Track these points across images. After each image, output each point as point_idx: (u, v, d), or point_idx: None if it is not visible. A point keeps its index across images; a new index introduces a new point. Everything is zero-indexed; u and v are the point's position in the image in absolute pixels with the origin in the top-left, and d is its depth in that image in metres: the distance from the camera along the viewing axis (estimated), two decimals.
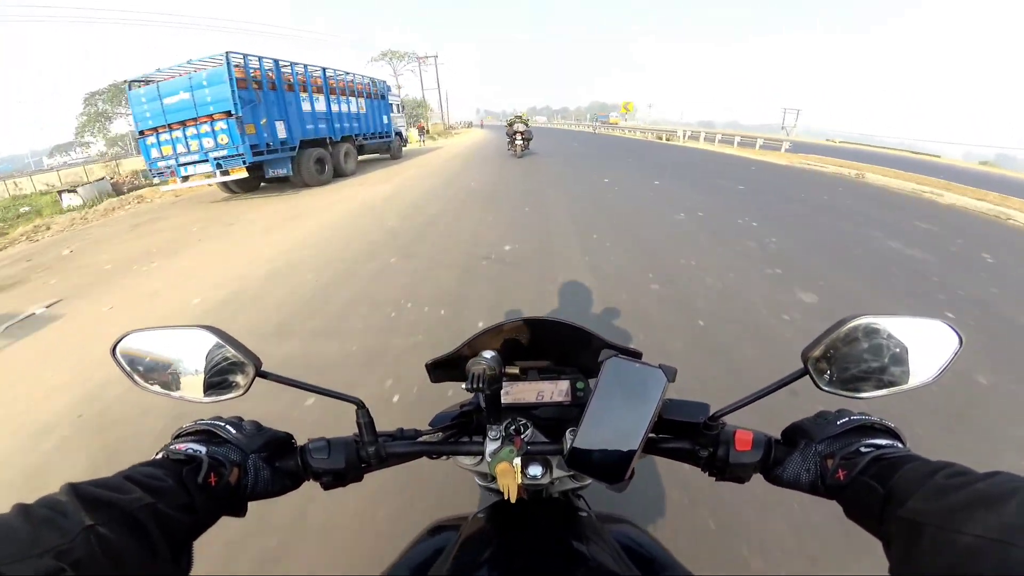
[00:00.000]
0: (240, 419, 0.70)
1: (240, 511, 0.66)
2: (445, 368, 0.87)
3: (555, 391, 0.86)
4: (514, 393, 0.85)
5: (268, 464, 0.68)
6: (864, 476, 0.55)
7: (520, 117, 17.77)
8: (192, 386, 0.67)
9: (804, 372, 0.64)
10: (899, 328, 0.63)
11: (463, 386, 0.66)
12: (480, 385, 0.64)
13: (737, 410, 0.68)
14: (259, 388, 0.67)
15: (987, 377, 3.06)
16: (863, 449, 0.59)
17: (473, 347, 0.83)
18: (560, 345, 0.89)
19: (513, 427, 0.78)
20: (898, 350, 0.62)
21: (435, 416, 0.83)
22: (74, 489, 0.47)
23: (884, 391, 0.63)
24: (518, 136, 17.18)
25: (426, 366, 0.86)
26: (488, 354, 0.68)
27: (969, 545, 0.40)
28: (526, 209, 8.32)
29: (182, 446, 0.62)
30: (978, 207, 9.17)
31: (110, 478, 0.52)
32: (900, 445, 0.60)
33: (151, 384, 0.67)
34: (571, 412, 0.84)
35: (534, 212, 8.08)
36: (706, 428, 0.69)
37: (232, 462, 0.64)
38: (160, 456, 0.61)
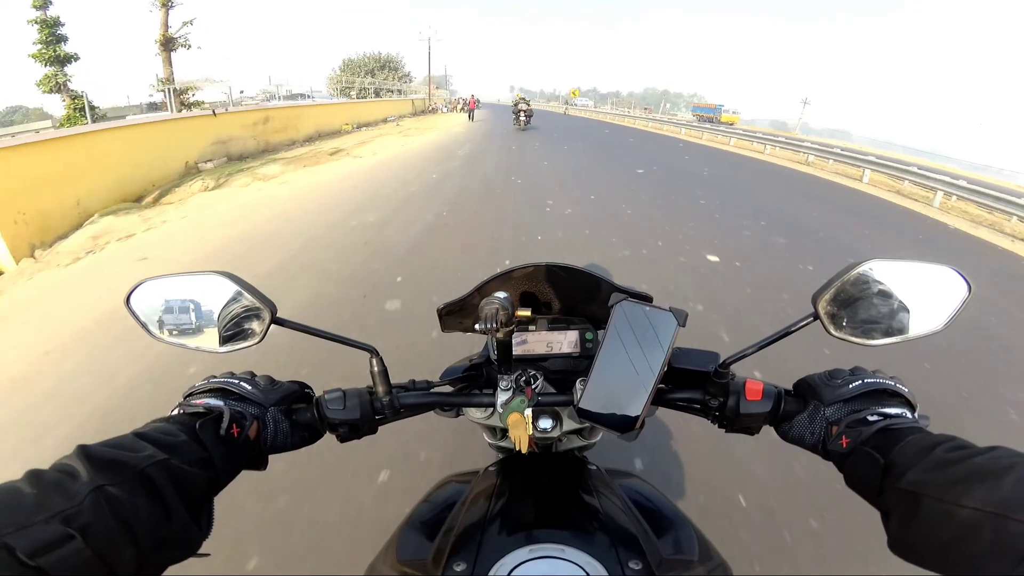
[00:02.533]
0: (252, 374, 0.69)
1: (261, 465, 0.65)
2: (455, 316, 0.87)
3: (564, 342, 0.86)
4: (524, 345, 0.86)
5: (286, 417, 0.68)
6: (866, 446, 0.56)
7: (523, 99, 23.33)
8: (208, 335, 0.66)
9: (815, 317, 0.64)
10: (907, 273, 0.63)
11: (477, 327, 0.65)
12: (493, 325, 0.63)
13: (747, 356, 0.68)
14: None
15: None
16: (870, 418, 0.59)
17: (484, 293, 0.82)
18: (570, 292, 0.89)
19: (524, 378, 0.78)
20: (906, 296, 0.63)
21: (446, 369, 0.84)
22: (84, 450, 0.46)
23: (893, 339, 0.64)
24: (522, 114, 22.17)
25: (438, 312, 0.86)
26: (500, 294, 0.67)
27: (967, 518, 0.41)
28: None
29: (199, 401, 0.61)
30: None
31: (122, 437, 0.50)
32: (908, 415, 0.60)
33: (166, 334, 0.67)
34: (580, 364, 0.85)
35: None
36: (716, 377, 0.69)
37: (252, 416, 0.63)
38: (175, 412, 0.60)
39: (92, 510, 0.41)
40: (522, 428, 0.71)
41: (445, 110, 39.40)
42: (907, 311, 0.63)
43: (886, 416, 0.59)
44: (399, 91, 45.24)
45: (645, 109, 76.50)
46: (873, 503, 0.55)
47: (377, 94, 41.57)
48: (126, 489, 0.44)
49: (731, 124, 44.13)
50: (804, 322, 0.65)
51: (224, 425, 0.57)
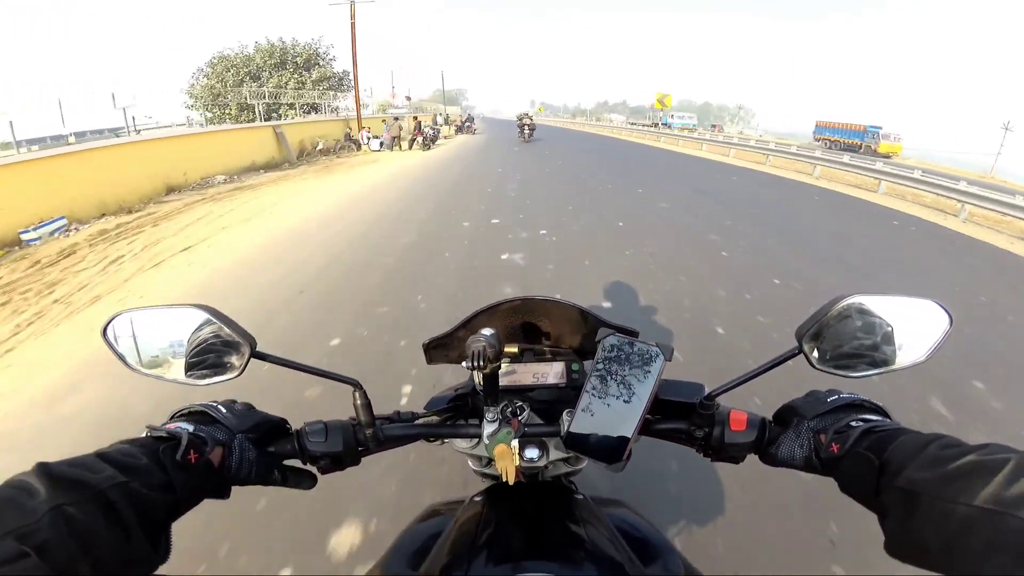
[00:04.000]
0: (234, 401, 0.69)
1: (224, 493, 0.64)
2: (441, 349, 0.87)
3: (551, 373, 0.86)
4: (511, 376, 0.85)
5: (256, 446, 0.66)
6: (858, 448, 0.56)
7: (527, 114, 25.70)
8: (186, 368, 0.65)
9: (798, 351, 0.65)
10: (890, 307, 0.64)
11: (464, 365, 0.66)
12: (480, 363, 0.64)
13: (732, 389, 0.68)
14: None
15: None
16: (854, 424, 0.59)
17: (469, 328, 0.83)
18: (556, 325, 0.90)
19: (510, 409, 0.77)
20: (889, 329, 0.64)
21: (430, 399, 0.83)
22: (43, 468, 0.45)
23: (876, 370, 0.64)
24: (526, 128, 24.32)
25: (423, 346, 0.86)
26: (487, 331, 0.68)
27: (966, 515, 0.41)
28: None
29: (171, 425, 0.60)
30: None
31: (83, 457, 0.50)
32: (889, 421, 0.60)
33: (144, 367, 0.66)
34: (567, 394, 0.85)
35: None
36: (702, 408, 0.70)
37: (216, 441, 0.61)
38: (143, 435, 0.59)
39: (50, 529, 0.40)
40: (509, 459, 0.71)
41: (377, 144, 20.43)
42: (890, 343, 0.64)
43: (868, 421, 0.59)
44: (325, 107, 28.05)
45: (713, 127, 62.34)
46: (869, 506, 0.55)
47: (272, 112, 25.81)
48: (85, 509, 0.44)
49: (889, 156, 32.36)
50: (788, 356, 0.65)
51: (181, 450, 0.56)
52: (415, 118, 23.99)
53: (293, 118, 24.27)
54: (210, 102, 27.88)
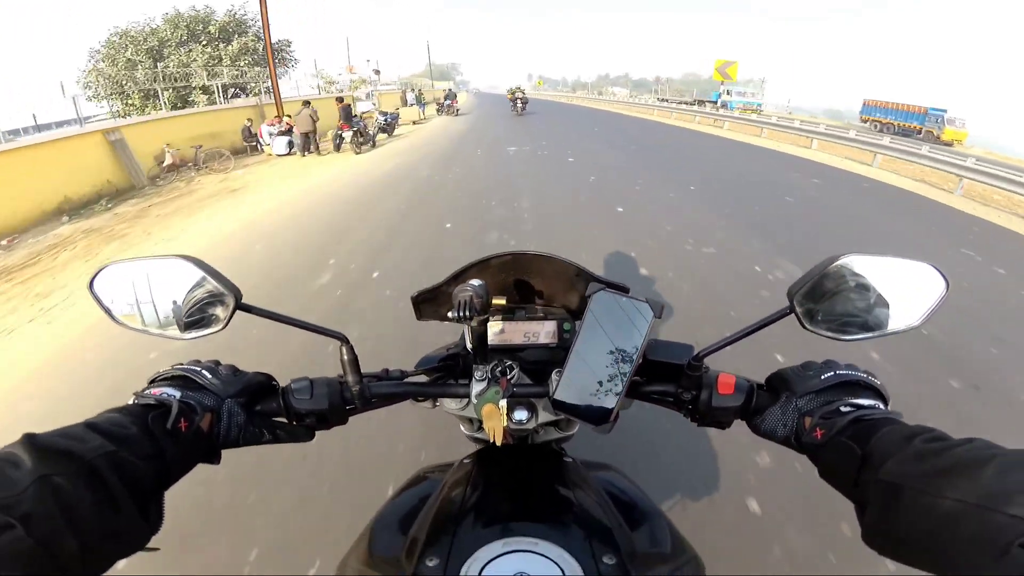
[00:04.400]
0: (217, 363, 0.68)
1: (214, 459, 0.64)
2: (431, 304, 0.86)
3: (542, 332, 0.86)
4: (501, 335, 0.85)
5: (245, 409, 0.66)
6: (841, 436, 0.55)
7: (519, 87, 27.23)
8: (171, 321, 0.65)
9: (790, 310, 0.64)
10: (886, 269, 0.62)
11: (450, 315, 0.65)
12: (466, 313, 0.63)
13: (720, 349, 0.67)
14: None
15: None
16: (843, 409, 0.59)
17: (459, 281, 0.82)
18: (549, 282, 0.89)
19: (499, 369, 0.77)
20: (883, 292, 0.62)
21: (421, 358, 0.83)
22: (30, 439, 0.45)
23: (869, 334, 0.64)
24: (518, 102, 25.75)
25: (412, 299, 0.85)
26: (475, 282, 0.67)
27: (949, 509, 0.41)
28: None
29: (156, 391, 0.60)
30: None
31: (71, 427, 0.49)
32: (881, 406, 0.60)
33: (130, 321, 0.65)
34: (558, 355, 0.84)
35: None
36: (690, 369, 0.69)
37: (205, 407, 0.62)
38: (130, 403, 0.59)
39: (34, 500, 0.40)
40: (497, 419, 0.71)
41: (283, 144, 13.79)
42: (884, 306, 0.63)
43: (859, 407, 0.58)
44: (261, 88, 20.45)
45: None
46: (848, 495, 0.55)
47: (184, 100, 20.10)
48: (71, 480, 0.44)
49: (952, 144, 27.18)
50: (779, 315, 0.64)
51: (171, 418, 0.56)
52: (340, 100, 15.95)
53: (200, 105, 18.33)
54: (111, 91, 20.54)
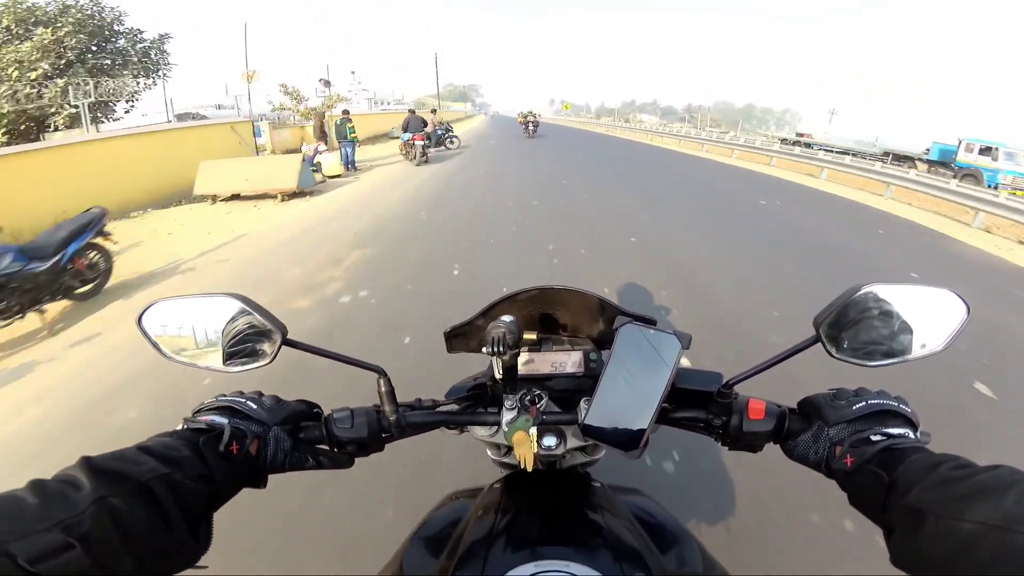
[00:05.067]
0: (260, 393, 0.71)
1: (260, 483, 0.67)
2: (462, 338, 0.88)
3: (569, 362, 0.87)
4: (530, 365, 0.87)
5: (291, 436, 0.69)
6: (870, 465, 0.57)
7: (531, 112, 27.88)
8: (218, 356, 0.67)
9: (816, 339, 0.65)
10: (908, 296, 0.64)
11: (483, 351, 0.67)
12: (499, 349, 0.65)
13: (750, 378, 0.69)
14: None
15: None
16: (873, 438, 0.60)
17: (489, 316, 0.84)
18: (574, 313, 0.91)
19: (528, 397, 0.79)
20: (906, 318, 0.64)
21: (451, 388, 0.85)
22: (87, 462, 0.47)
23: (893, 360, 0.65)
24: (530, 124, 26.63)
25: (444, 335, 0.87)
26: (507, 318, 0.70)
27: (971, 532, 0.42)
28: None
29: (205, 418, 0.63)
30: None
31: (126, 450, 0.52)
32: (911, 435, 0.60)
33: (178, 355, 0.68)
34: (585, 383, 0.86)
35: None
36: (720, 397, 0.70)
37: (253, 433, 0.64)
38: (180, 428, 0.62)
39: (93, 520, 0.43)
40: (527, 446, 0.72)
41: None
42: (907, 333, 0.64)
43: (889, 436, 0.59)
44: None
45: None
46: (876, 521, 0.56)
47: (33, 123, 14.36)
48: (127, 501, 0.46)
49: None
50: (806, 344, 0.66)
51: (224, 442, 0.59)
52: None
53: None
54: None
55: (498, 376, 0.80)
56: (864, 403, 0.63)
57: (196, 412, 0.66)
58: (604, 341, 0.90)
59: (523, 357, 0.87)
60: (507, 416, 0.76)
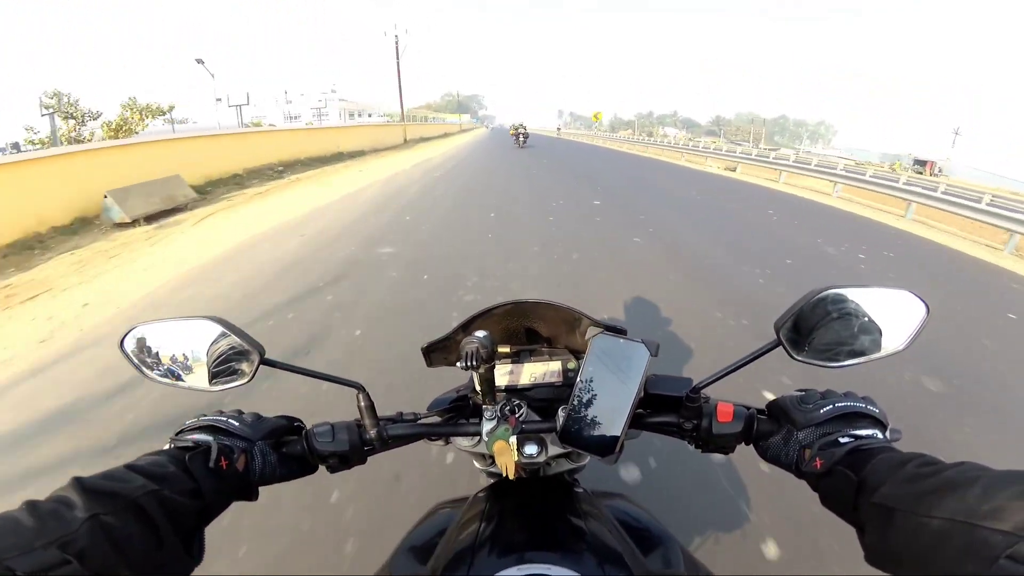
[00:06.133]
0: (240, 412, 0.72)
1: (252, 496, 0.68)
2: (440, 352, 0.90)
3: (547, 372, 0.89)
4: (509, 376, 0.89)
5: (275, 450, 0.71)
6: (840, 466, 0.58)
7: (521, 124, 29.75)
8: (198, 376, 0.69)
9: (777, 343, 0.67)
10: (867, 298, 0.66)
11: (459, 365, 0.69)
12: (473, 363, 0.67)
13: (716, 381, 0.71)
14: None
15: None
16: (842, 440, 0.61)
17: (467, 331, 0.86)
18: (552, 327, 0.93)
19: (508, 408, 0.80)
20: (867, 319, 0.66)
21: (433, 400, 0.86)
22: (79, 482, 0.49)
23: (856, 360, 0.67)
24: (520, 136, 28.82)
25: (422, 350, 0.89)
26: (480, 334, 0.71)
27: (939, 528, 0.44)
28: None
29: (190, 436, 0.64)
30: None
31: (114, 469, 0.53)
32: (879, 435, 0.62)
33: (159, 375, 0.70)
34: (563, 392, 0.87)
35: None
36: (689, 401, 0.73)
37: (240, 449, 0.66)
38: (166, 447, 0.63)
39: (88, 537, 0.44)
40: (508, 455, 0.74)
41: None
42: (868, 334, 0.66)
43: (857, 438, 0.61)
44: None
45: (921, 164, 31.51)
46: (848, 520, 0.58)
47: None
48: (120, 517, 0.48)
49: None
50: (767, 348, 0.68)
51: (213, 457, 0.60)
52: None
53: None
54: None
55: (478, 388, 0.82)
56: (831, 406, 0.64)
57: (179, 432, 0.67)
58: (581, 351, 0.92)
59: (503, 369, 0.88)
60: (487, 426, 0.77)
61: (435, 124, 48.56)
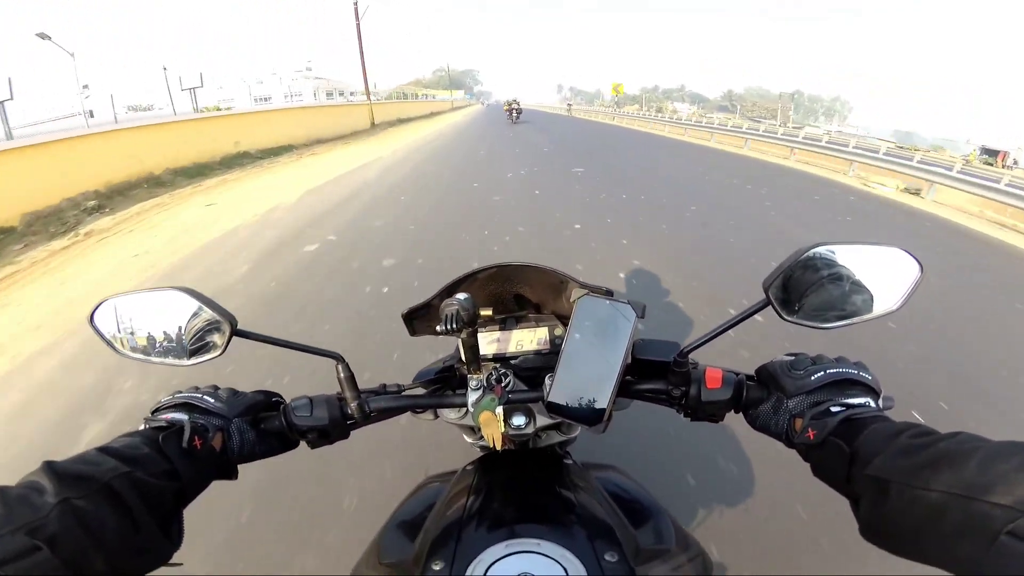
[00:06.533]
0: (216, 387, 0.71)
1: (231, 474, 0.67)
2: (423, 320, 0.88)
3: (534, 339, 0.88)
4: (495, 344, 0.87)
5: (252, 427, 0.69)
6: (832, 436, 0.56)
7: (515, 100, 30.22)
8: (171, 350, 0.67)
9: (766, 303, 0.65)
10: (858, 256, 0.64)
11: (438, 329, 0.67)
12: (454, 326, 0.65)
13: (704, 344, 0.69)
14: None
15: None
16: (833, 409, 0.59)
17: (449, 295, 0.83)
18: (537, 291, 0.91)
19: (494, 377, 0.79)
20: (858, 278, 0.63)
21: (418, 372, 0.85)
22: (49, 466, 0.47)
23: (848, 321, 0.65)
24: (514, 111, 29.21)
25: (403, 317, 0.86)
26: (460, 295, 0.69)
27: (935, 500, 0.42)
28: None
29: (166, 416, 0.62)
30: None
31: (86, 452, 0.52)
32: (871, 403, 0.60)
33: (131, 351, 0.68)
34: (551, 360, 0.85)
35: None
36: (677, 366, 0.71)
37: (215, 427, 0.64)
38: (140, 428, 0.61)
39: (59, 522, 0.43)
40: (494, 426, 0.72)
41: None
42: (859, 293, 0.64)
43: (849, 407, 0.59)
44: None
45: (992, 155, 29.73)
46: (841, 491, 0.56)
47: None
48: (92, 501, 0.46)
49: None
50: (756, 308, 0.65)
51: (186, 437, 0.59)
52: None
53: None
54: None
55: (463, 357, 0.80)
56: (823, 372, 0.62)
57: (155, 411, 0.65)
58: (568, 317, 0.90)
59: (488, 337, 0.86)
60: (472, 397, 0.75)
61: (422, 102, 43.66)
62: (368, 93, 28.62)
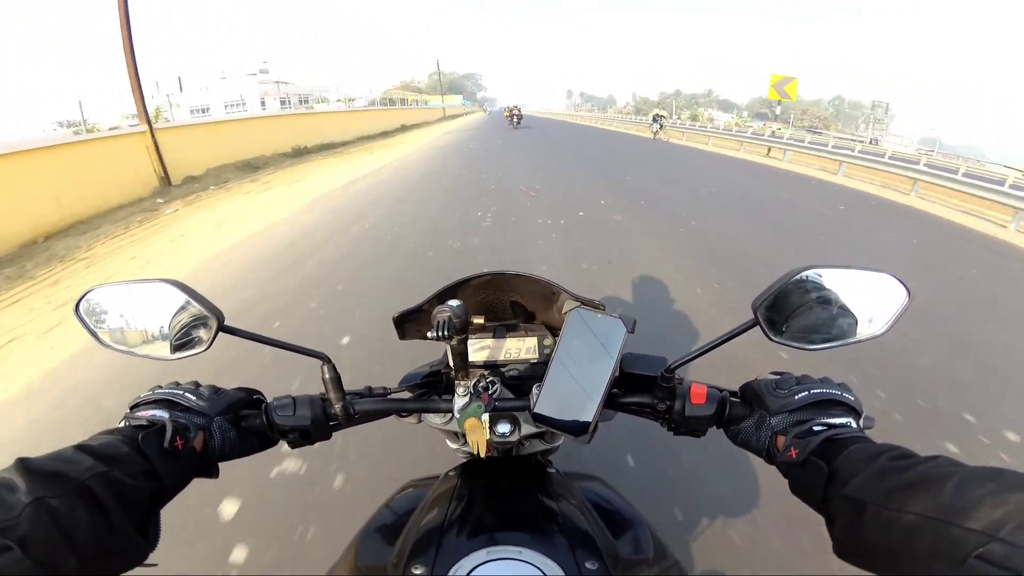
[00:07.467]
0: (197, 384, 0.70)
1: (212, 473, 0.66)
2: (413, 324, 0.87)
3: (523, 348, 0.88)
4: (484, 352, 0.87)
5: (234, 425, 0.68)
6: (812, 456, 0.57)
7: (516, 107, 30.90)
8: (156, 343, 0.66)
9: (755, 323, 0.65)
10: (847, 280, 0.64)
11: (429, 335, 0.66)
12: (445, 332, 0.64)
13: (691, 361, 0.69)
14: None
15: None
16: (815, 428, 0.60)
17: (440, 301, 0.83)
18: (528, 300, 0.91)
19: (481, 384, 0.78)
20: (846, 302, 0.64)
21: (404, 376, 0.84)
22: (23, 463, 0.46)
23: (834, 343, 0.65)
24: (514, 117, 30.03)
25: (394, 320, 0.86)
26: (453, 302, 0.69)
27: (910, 523, 0.43)
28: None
29: (145, 413, 0.61)
30: None
31: (63, 450, 0.50)
32: (853, 424, 0.61)
33: (115, 343, 0.67)
34: (539, 369, 0.86)
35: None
36: (663, 381, 0.71)
37: (197, 426, 0.63)
38: (120, 424, 0.60)
39: (31, 522, 0.42)
40: (479, 433, 0.72)
41: None
42: (847, 316, 0.64)
43: (831, 426, 0.60)
44: None
45: None
46: (817, 509, 0.57)
47: None
48: (66, 501, 0.45)
49: None
50: (744, 328, 0.66)
51: (168, 437, 0.58)
52: None
53: None
54: None
55: (451, 363, 0.80)
56: (806, 392, 0.63)
57: (134, 407, 0.65)
58: (558, 327, 0.90)
59: (477, 344, 0.86)
60: (459, 403, 0.75)
61: (404, 109, 35.96)
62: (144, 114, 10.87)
